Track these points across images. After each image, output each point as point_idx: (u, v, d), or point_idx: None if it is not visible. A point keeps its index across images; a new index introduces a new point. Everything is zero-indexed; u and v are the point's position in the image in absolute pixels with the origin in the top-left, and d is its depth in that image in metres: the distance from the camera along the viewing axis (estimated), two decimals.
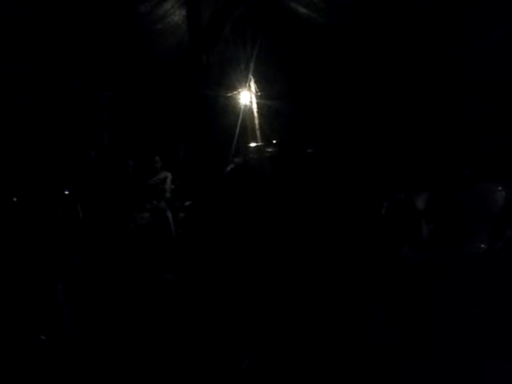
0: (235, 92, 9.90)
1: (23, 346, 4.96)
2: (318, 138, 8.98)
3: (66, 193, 7.33)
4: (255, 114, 9.71)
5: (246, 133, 9.73)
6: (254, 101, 9.77)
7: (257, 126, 9.63)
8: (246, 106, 9.85)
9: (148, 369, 4.79)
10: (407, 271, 5.45)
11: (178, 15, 9.65)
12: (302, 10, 9.50)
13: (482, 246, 5.27)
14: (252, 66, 9.88)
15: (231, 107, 10.08)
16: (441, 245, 5.64)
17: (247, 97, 9.83)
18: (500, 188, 5.47)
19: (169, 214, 8.72)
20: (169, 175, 8.99)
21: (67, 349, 5.22)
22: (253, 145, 9.43)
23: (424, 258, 5.66)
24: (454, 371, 3.85)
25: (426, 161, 7.36)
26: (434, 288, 4.92)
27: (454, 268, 5.02)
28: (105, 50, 9.00)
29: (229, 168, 8.88)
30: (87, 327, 5.51)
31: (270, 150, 9.04)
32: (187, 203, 8.82)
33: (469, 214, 5.61)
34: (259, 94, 9.80)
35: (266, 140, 9.48)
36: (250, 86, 9.76)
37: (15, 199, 6.82)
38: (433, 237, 5.86)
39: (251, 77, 9.81)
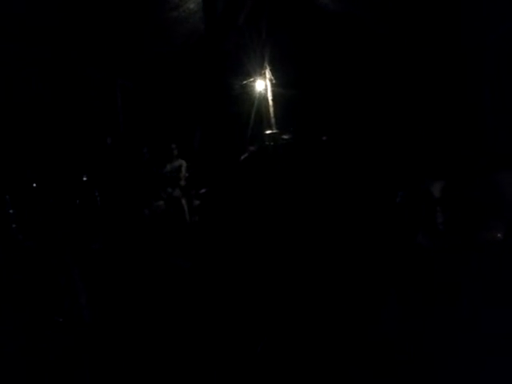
0: (250, 80, 9.88)
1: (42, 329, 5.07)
2: (332, 126, 8.95)
3: (84, 179, 7.44)
4: (270, 101, 9.68)
5: (261, 120, 9.72)
6: (269, 88, 9.74)
7: (272, 114, 9.61)
8: (260, 93, 9.83)
9: (163, 354, 4.86)
10: (422, 259, 5.45)
11: (193, 3, 9.62)
12: None
13: (499, 235, 5.25)
14: (267, 53, 9.83)
15: (246, 95, 10.07)
16: (456, 233, 5.62)
17: (262, 85, 9.81)
18: None
19: (183, 202, 8.79)
20: (183, 163, 9.04)
21: (85, 334, 5.31)
22: (268, 132, 9.42)
23: (439, 247, 5.65)
24: (467, 360, 3.86)
25: (441, 149, 7.31)
26: (448, 276, 4.92)
27: (470, 257, 5.01)
28: (119, 37, 9.03)
29: (244, 156, 8.89)
30: (105, 313, 5.59)
31: (285, 137, 9.03)
32: (202, 191, 8.87)
33: (485, 203, 5.58)
34: (274, 81, 9.77)
35: (281, 127, 9.46)
36: (265, 73, 9.73)
37: (34, 185, 6.93)
38: (448, 225, 5.84)
39: (266, 65, 9.77)
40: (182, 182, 8.90)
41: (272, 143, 8.99)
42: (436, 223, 5.93)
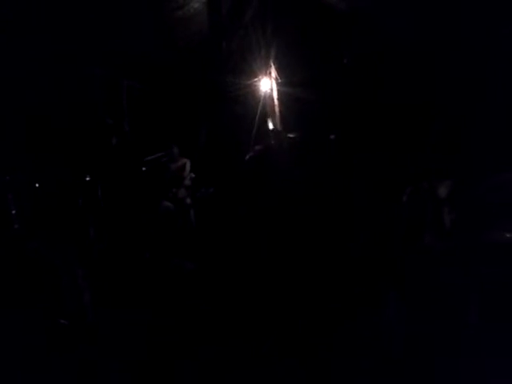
0: (256, 79, 9.84)
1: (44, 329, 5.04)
2: (339, 125, 8.89)
3: (88, 179, 7.43)
4: (276, 101, 9.64)
5: (267, 120, 9.68)
6: (275, 88, 9.70)
7: (277, 113, 9.56)
8: (266, 92, 9.79)
9: (166, 358, 4.84)
10: (428, 259, 5.39)
11: (198, 2, 9.60)
12: None
13: (507, 235, 5.18)
14: (273, 53, 9.79)
15: (252, 94, 10.03)
16: (463, 233, 5.55)
17: (268, 84, 9.76)
18: None
19: (188, 202, 8.75)
20: (188, 162, 8.99)
21: (87, 334, 5.29)
22: (273, 131, 9.38)
23: (445, 247, 5.58)
24: (470, 364, 3.80)
25: (449, 149, 7.23)
26: (454, 276, 4.86)
27: (476, 257, 4.94)
28: (125, 37, 9.02)
29: (249, 155, 8.85)
30: (108, 313, 5.58)
31: (290, 136, 8.99)
32: (207, 190, 8.83)
33: (493, 203, 5.51)
34: (280, 81, 9.72)
35: (287, 126, 9.41)
36: (270, 73, 9.69)
37: (37, 185, 6.92)
38: (455, 225, 5.77)
39: (272, 64, 9.73)
40: (187, 182, 8.85)
41: (277, 142, 8.94)
42: (443, 223, 5.87)
